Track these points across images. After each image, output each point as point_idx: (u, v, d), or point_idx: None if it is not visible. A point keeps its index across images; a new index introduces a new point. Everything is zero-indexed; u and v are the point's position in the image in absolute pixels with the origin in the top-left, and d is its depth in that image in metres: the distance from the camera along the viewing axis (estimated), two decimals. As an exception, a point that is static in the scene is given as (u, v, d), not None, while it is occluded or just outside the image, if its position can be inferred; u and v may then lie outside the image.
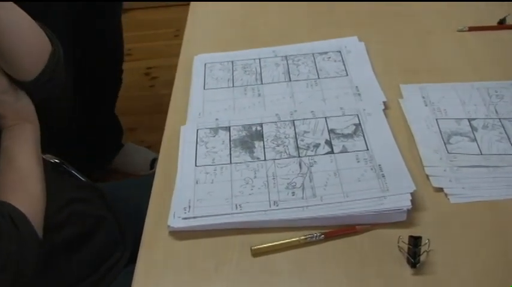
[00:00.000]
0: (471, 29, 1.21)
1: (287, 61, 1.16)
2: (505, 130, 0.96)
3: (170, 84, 1.16)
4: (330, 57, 1.16)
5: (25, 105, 0.93)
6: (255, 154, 0.95)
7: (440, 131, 0.97)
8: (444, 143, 0.95)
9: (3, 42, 0.86)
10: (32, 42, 0.91)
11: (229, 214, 0.85)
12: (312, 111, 1.02)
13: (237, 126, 1.01)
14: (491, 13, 1.24)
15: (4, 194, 0.85)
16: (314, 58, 1.16)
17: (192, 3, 1.41)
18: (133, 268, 0.83)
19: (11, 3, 0.86)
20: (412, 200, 0.84)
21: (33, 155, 0.91)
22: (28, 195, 0.87)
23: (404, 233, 0.80)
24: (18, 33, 0.87)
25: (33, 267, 0.82)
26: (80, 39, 1.72)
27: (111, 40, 1.91)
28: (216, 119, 1.03)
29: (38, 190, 0.89)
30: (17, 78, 0.91)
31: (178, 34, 2.75)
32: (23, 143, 0.90)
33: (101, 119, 2.08)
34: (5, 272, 0.78)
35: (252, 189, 0.89)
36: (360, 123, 0.99)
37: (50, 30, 0.95)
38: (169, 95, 1.13)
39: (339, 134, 0.97)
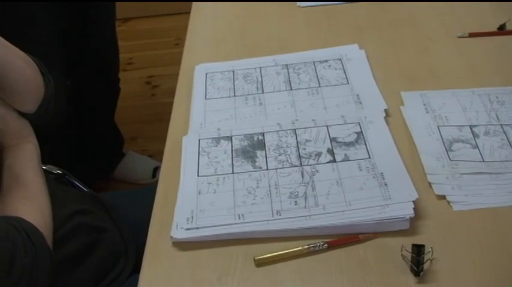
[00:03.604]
0: (471, 35, 1.21)
1: (288, 70, 1.16)
2: (506, 136, 0.96)
3: (171, 93, 1.16)
4: (330, 66, 1.16)
5: (24, 124, 0.96)
6: (257, 164, 0.95)
7: (442, 138, 0.97)
8: (446, 150, 0.95)
9: (7, 79, 0.89)
10: (28, 75, 0.94)
11: (232, 224, 0.85)
12: (313, 120, 1.02)
13: (239, 135, 1.01)
14: (491, 19, 1.24)
15: (15, 210, 0.86)
16: (315, 66, 1.16)
17: (192, 12, 1.41)
18: (137, 279, 0.83)
19: (5, 41, 0.90)
20: (414, 208, 0.84)
21: (37, 173, 0.93)
22: (38, 210, 0.88)
23: (408, 242, 0.80)
24: (12, 67, 0.90)
25: (46, 279, 0.83)
26: (72, 48, 1.72)
27: (105, 49, 1.90)
28: (218, 129, 1.03)
29: (47, 205, 0.91)
30: (20, 109, 0.95)
31: (179, 43, 2.76)
32: (26, 161, 0.92)
33: (101, 128, 2.08)
34: (20, 285, 0.78)
35: (254, 199, 0.89)
36: (361, 132, 0.99)
37: (38, 60, 0.97)
38: (171, 103, 1.13)
39: (341, 142, 0.97)
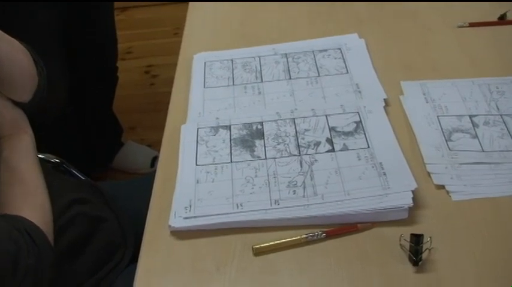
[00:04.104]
0: (471, 24, 1.20)
1: (287, 59, 1.15)
2: (506, 126, 0.96)
3: (170, 82, 1.16)
4: (330, 55, 1.15)
5: (19, 114, 0.95)
6: (255, 153, 0.95)
7: (441, 128, 0.97)
8: (445, 140, 0.94)
9: (7, 72, 0.88)
10: (25, 65, 0.93)
11: (230, 213, 0.85)
12: (312, 109, 1.02)
13: (238, 125, 1.00)
14: (492, 9, 1.23)
15: (15, 208, 0.85)
16: (314, 56, 1.15)
17: (191, 1, 1.40)
18: (135, 268, 0.83)
19: (5, 35, 0.89)
20: (413, 198, 0.83)
21: (35, 166, 0.92)
22: (38, 207, 0.88)
23: (406, 231, 0.79)
24: (14, 60, 0.90)
25: (50, 277, 0.83)
26: (71, 36, 1.72)
27: (103, 37, 1.90)
28: (217, 118, 1.02)
29: (46, 201, 0.90)
30: (16, 100, 0.94)
31: (177, 32, 2.75)
32: (23, 154, 0.91)
33: (99, 117, 2.08)
34: (24, 285, 0.78)
35: (252, 188, 0.89)
36: (360, 121, 0.98)
37: (30, 48, 0.97)
38: (170, 93, 1.12)
39: (340, 131, 0.97)
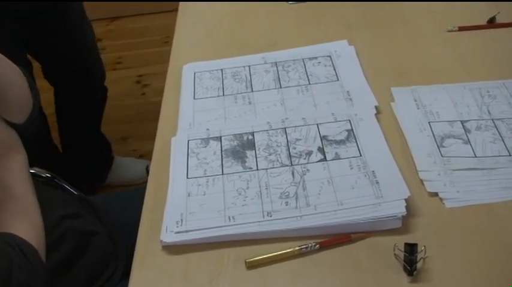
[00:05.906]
0: (461, 29, 1.20)
1: (277, 67, 1.15)
2: (498, 131, 0.95)
3: (161, 91, 1.15)
4: (320, 62, 1.15)
5: (13, 134, 0.94)
6: (247, 164, 0.94)
7: (433, 134, 0.96)
8: (438, 146, 0.94)
9: (5, 94, 0.88)
10: (21, 87, 0.94)
11: (222, 227, 0.84)
12: (303, 118, 1.01)
13: (228, 136, 0.99)
14: (480, 12, 1.23)
15: (8, 225, 0.85)
16: (304, 63, 1.15)
17: (180, 10, 1.40)
18: (128, 282, 0.82)
19: (3, 56, 0.89)
20: (406, 206, 0.83)
21: (28, 185, 0.91)
22: (31, 224, 0.87)
23: (400, 240, 0.79)
24: (11, 81, 0.90)
25: None
26: (57, 62, 1.70)
27: (87, 61, 1.86)
28: (207, 129, 1.01)
29: (38, 219, 0.89)
30: (11, 120, 0.93)
31: (168, 41, 2.74)
32: (16, 173, 0.91)
33: (88, 139, 2.05)
34: None
35: (244, 200, 0.88)
36: (352, 129, 0.98)
37: (26, 70, 0.97)
38: (161, 102, 1.12)
39: (331, 140, 0.96)
